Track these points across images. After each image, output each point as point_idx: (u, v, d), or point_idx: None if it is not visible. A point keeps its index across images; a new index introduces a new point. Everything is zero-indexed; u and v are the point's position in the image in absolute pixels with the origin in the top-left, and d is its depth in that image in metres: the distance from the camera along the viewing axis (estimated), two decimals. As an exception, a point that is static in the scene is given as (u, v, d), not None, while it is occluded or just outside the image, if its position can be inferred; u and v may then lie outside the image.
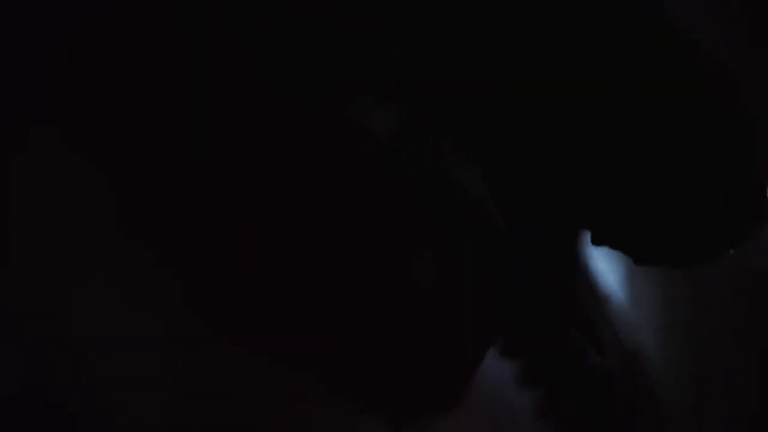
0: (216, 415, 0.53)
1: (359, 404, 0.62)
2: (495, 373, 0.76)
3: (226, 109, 0.56)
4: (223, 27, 0.57)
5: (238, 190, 0.57)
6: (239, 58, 0.57)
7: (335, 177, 0.62)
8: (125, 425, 0.50)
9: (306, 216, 0.61)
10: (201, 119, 0.55)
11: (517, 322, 0.75)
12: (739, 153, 0.58)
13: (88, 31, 0.53)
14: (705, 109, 0.59)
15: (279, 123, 0.58)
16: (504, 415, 0.79)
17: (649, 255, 0.64)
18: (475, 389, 0.71)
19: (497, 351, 0.75)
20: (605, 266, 0.93)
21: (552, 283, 0.77)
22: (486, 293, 0.71)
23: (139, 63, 0.54)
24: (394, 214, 0.64)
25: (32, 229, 0.51)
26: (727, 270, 1.10)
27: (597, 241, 0.66)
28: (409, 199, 0.63)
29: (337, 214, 0.62)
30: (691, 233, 0.59)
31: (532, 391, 0.80)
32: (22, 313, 0.49)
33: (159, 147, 0.54)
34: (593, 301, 0.84)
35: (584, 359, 0.86)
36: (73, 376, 0.50)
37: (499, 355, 0.75)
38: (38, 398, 0.49)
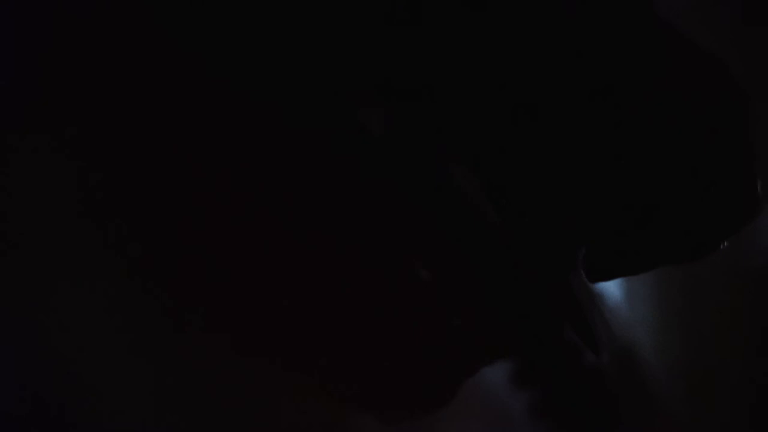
0: (210, 416, 0.54)
1: (354, 405, 0.62)
2: (491, 373, 0.77)
3: (219, 109, 0.56)
4: (216, 26, 0.57)
5: (232, 191, 0.57)
6: (232, 58, 0.57)
7: (329, 177, 0.61)
8: (117, 427, 0.50)
9: (300, 216, 0.60)
10: (192, 120, 0.55)
11: (512, 321, 0.75)
12: (736, 148, 0.58)
13: (78, 32, 0.53)
14: (702, 106, 0.59)
15: (272, 122, 0.58)
16: (500, 415, 0.79)
17: (644, 264, 0.64)
18: (471, 390, 0.71)
19: (493, 351, 0.75)
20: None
21: (547, 281, 0.77)
22: (481, 292, 0.71)
23: (130, 62, 0.54)
24: (388, 215, 0.64)
25: (20, 229, 0.51)
26: (725, 268, 1.10)
27: (594, 276, 0.66)
28: (403, 199, 0.63)
29: (331, 214, 0.62)
30: (686, 230, 0.59)
31: (527, 391, 0.81)
32: (11, 314, 0.49)
33: (149, 146, 0.54)
34: (588, 298, 0.84)
35: (579, 358, 0.86)
36: (63, 379, 0.50)
37: (494, 355, 0.75)
38: (31, 401, 0.49)
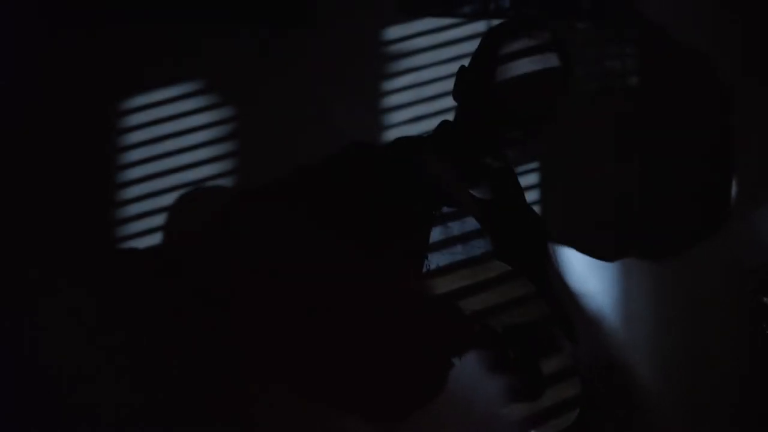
0: (208, 414, 0.54)
1: (352, 402, 0.63)
2: (476, 366, 0.77)
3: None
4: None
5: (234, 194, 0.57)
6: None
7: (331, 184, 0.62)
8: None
9: (300, 219, 0.61)
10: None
11: (497, 314, 0.77)
12: (718, 149, 0.59)
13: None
14: (690, 107, 0.59)
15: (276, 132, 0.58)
16: (483, 404, 0.80)
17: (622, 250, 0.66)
18: (459, 384, 0.72)
19: (479, 343, 0.76)
20: (599, 263, 0.92)
21: (528, 275, 0.78)
22: (472, 292, 0.72)
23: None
24: (387, 220, 0.64)
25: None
26: (724, 267, 1.10)
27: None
28: (402, 206, 0.64)
29: (332, 218, 0.62)
30: (662, 226, 0.60)
31: (507, 377, 0.82)
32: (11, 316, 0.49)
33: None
34: (569, 295, 0.86)
35: (558, 349, 0.87)
36: (63, 381, 0.50)
37: (480, 345, 0.76)
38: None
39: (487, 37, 1.43)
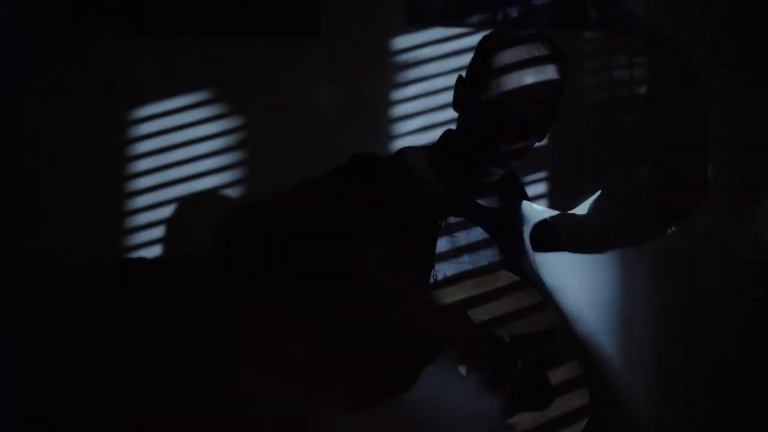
0: (201, 411, 0.54)
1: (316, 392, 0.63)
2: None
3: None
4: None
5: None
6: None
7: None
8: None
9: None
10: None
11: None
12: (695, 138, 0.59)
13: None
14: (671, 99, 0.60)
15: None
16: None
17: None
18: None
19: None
20: (600, 259, 0.92)
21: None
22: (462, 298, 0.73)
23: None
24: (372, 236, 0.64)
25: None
26: (724, 265, 1.09)
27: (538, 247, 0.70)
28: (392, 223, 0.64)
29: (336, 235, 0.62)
30: (640, 212, 0.61)
31: (515, 386, 0.82)
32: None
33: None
34: (548, 294, 0.87)
35: (566, 359, 0.87)
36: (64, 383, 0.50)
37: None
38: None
39: (480, 47, 1.39)
